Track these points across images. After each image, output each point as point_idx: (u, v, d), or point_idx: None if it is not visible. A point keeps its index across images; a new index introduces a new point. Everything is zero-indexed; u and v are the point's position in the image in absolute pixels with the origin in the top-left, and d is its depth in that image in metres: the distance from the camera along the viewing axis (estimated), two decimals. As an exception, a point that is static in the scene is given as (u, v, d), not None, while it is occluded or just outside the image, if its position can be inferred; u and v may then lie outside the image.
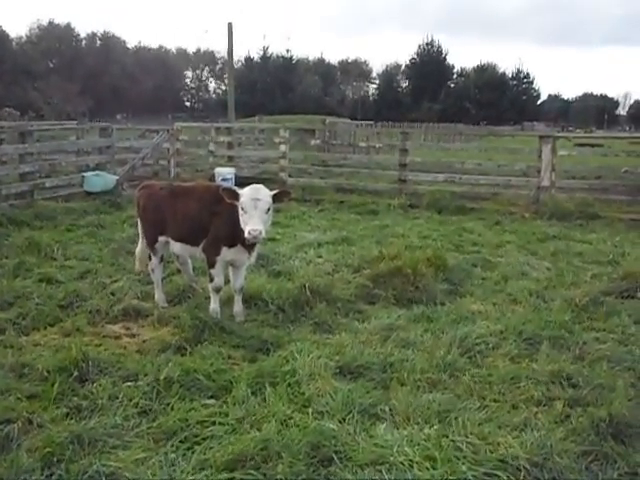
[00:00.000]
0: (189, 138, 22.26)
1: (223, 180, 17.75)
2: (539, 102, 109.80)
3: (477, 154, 23.71)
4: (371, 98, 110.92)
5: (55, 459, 4.51)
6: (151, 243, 8.05)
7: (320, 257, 10.72)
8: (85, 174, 16.61)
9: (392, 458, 4.50)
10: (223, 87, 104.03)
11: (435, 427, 4.95)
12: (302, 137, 24.63)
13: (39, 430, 4.89)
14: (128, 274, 9.15)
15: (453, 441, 4.77)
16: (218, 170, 18.44)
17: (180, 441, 4.74)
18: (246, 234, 6.57)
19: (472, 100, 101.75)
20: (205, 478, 4.31)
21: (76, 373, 5.76)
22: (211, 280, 7.42)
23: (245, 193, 6.75)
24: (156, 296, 8.05)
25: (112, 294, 8.21)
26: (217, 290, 7.43)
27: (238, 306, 7.57)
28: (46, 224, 12.91)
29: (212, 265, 7.38)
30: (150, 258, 8.18)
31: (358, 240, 12.16)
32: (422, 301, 8.16)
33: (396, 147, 19.08)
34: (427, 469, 4.39)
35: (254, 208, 6.63)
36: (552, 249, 11.64)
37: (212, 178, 18.14)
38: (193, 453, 4.60)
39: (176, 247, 7.84)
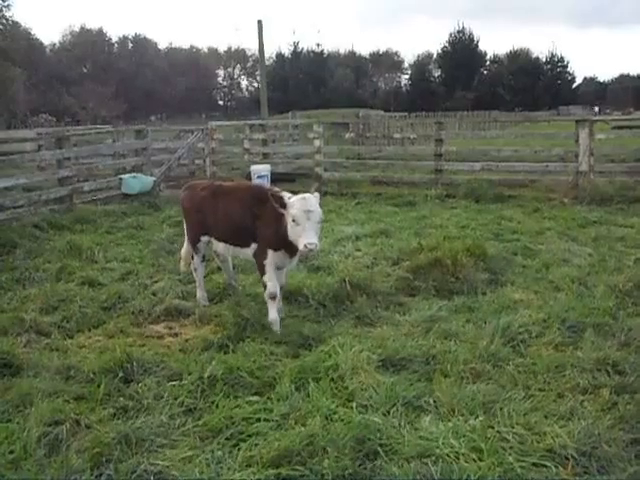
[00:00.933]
0: (224, 137, 22.38)
1: (259, 177, 17.81)
2: (574, 85, 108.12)
3: (513, 141, 23.43)
4: (404, 89, 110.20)
5: (104, 459, 4.57)
6: (193, 242, 8.10)
7: (359, 250, 10.71)
8: (122, 176, 16.78)
9: (438, 450, 4.48)
10: (255, 84, 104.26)
11: (480, 418, 4.91)
12: (336, 131, 24.62)
13: (87, 431, 4.96)
14: (169, 274, 9.24)
15: (499, 432, 4.73)
16: (254, 167, 18.49)
17: (226, 438, 4.78)
18: (301, 247, 6.45)
19: (506, 86, 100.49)
20: (252, 475, 4.33)
21: (121, 374, 5.84)
22: (264, 287, 7.14)
23: (296, 205, 6.56)
24: (198, 294, 8.10)
25: (154, 294, 8.30)
26: (273, 297, 7.06)
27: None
28: (86, 227, 13.08)
29: (263, 270, 7.15)
30: (193, 258, 8.22)
31: (396, 232, 12.12)
32: (463, 291, 8.11)
33: (431, 137, 18.98)
34: (473, 461, 4.36)
35: (307, 220, 6.46)
36: (593, 234, 11.47)
37: (248, 176, 18.22)
38: (239, 450, 4.63)
39: (219, 247, 7.89)
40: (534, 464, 4.36)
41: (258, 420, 5.02)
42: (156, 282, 8.87)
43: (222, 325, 7.06)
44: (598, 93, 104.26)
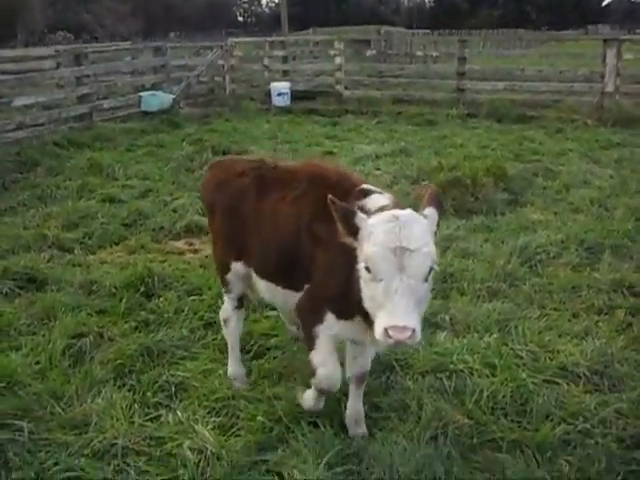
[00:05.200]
0: (243, 54, 22.07)
1: (278, 95, 17.63)
2: (604, 3, 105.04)
3: (538, 60, 22.96)
4: (427, 5, 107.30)
5: (126, 370, 4.72)
6: (221, 272, 4.58)
7: (378, 169, 10.66)
8: (142, 94, 16.67)
9: (452, 366, 4.58)
10: (276, 0, 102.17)
11: (495, 335, 4.99)
12: (357, 48, 24.22)
13: (110, 343, 5.11)
14: (189, 191, 9.27)
15: (513, 349, 4.82)
16: (274, 85, 18.30)
17: (246, 352, 4.89)
18: (378, 332, 3.08)
19: (533, 4, 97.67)
20: (269, 387, 4.46)
21: (142, 289, 5.96)
22: (312, 369, 3.86)
23: (377, 233, 3.15)
24: (230, 368, 4.67)
25: (174, 211, 8.37)
26: (322, 391, 3.93)
27: (353, 406, 4.11)
28: (106, 145, 13.08)
29: (310, 341, 3.85)
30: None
31: (416, 151, 12.04)
32: (482, 211, 8.11)
33: (454, 55, 18.61)
34: (487, 376, 4.45)
35: (397, 272, 3.08)
36: (616, 156, 11.33)
37: (268, 93, 18.04)
38: (257, 362, 4.77)
39: (261, 286, 4.32)
40: (546, 381, 4.46)
41: (276, 335, 5.13)
42: (176, 199, 8.91)
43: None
44: (629, 12, 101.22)
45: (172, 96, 17.08)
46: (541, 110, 16.28)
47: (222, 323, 4.67)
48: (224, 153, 11.15)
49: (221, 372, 4.64)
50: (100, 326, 5.32)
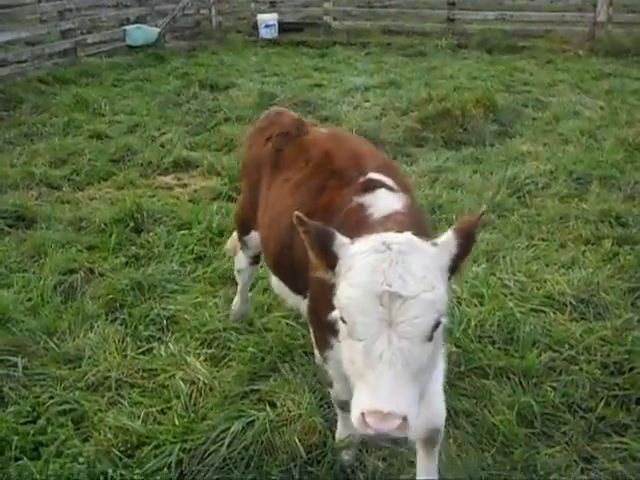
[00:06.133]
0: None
1: (266, 27, 17.34)
2: None
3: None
4: None
5: (118, 305, 4.78)
6: (240, 231, 4.30)
7: (367, 101, 10.58)
8: (127, 28, 16.36)
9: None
10: None
11: (483, 266, 5.04)
12: (346, -22, 23.68)
13: (101, 279, 5.15)
14: (176, 125, 9.19)
15: (500, 279, 4.88)
16: (261, 17, 17.95)
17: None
18: (354, 417, 2.20)
19: None
20: (258, 319, 4.52)
21: (132, 224, 5.97)
22: (329, 385, 3.26)
23: (359, 268, 2.27)
24: (234, 306, 4.66)
25: (162, 146, 8.32)
26: (341, 406, 3.25)
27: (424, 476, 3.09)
28: (92, 81, 12.86)
29: (323, 360, 3.16)
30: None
31: (406, 83, 11.92)
32: (471, 142, 8.09)
33: (444, -16, 18.26)
34: (475, 306, 4.51)
35: (386, 329, 2.19)
36: (606, 87, 11.23)
37: (255, 25, 17.74)
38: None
39: (272, 280, 3.86)
40: (533, 310, 4.53)
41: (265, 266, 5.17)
42: (164, 134, 8.84)
43: (230, 176, 7.09)
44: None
45: (157, 30, 16.77)
46: (532, 40, 16.05)
47: (236, 272, 4.51)
48: (211, 87, 11.11)
49: (212, 304, 4.70)
50: (90, 262, 5.35)
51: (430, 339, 2.21)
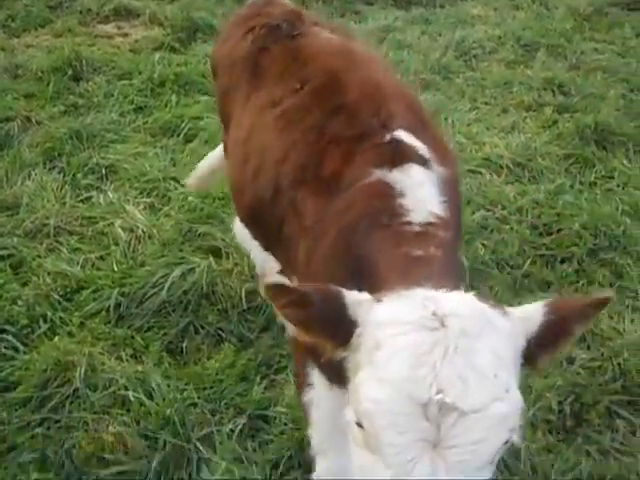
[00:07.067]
0: None
1: None
2: None
3: None
4: None
5: (56, 153, 4.71)
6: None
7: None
8: None
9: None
10: None
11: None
12: None
13: (38, 127, 5.03)
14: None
15: (441, 141, 4.91)
16: None
17: (177, 135, 4.89)
18: None
19: None
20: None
21: (70, 72, 5.78)
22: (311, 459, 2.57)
23: (392, 355, 1.44)
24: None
25: (103, -7, 7.91)
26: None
27: None
28: None
29: (300, 388, 2.45)
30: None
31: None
32: (421, 3, 7.89)
33: None
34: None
35: (429, 450, 1.39)
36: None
37: None
38: (188, 145, 4.79)
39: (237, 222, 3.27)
40: (470, 170, 4.62)
41: (207, 117, 5.11)
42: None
43: (173, 26, 6.84)
44: None
45: None
46: None
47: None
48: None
49: (152, 155, 4.66)
50: (28, 110, 5.21)
51: (491, 462, 1.45)
